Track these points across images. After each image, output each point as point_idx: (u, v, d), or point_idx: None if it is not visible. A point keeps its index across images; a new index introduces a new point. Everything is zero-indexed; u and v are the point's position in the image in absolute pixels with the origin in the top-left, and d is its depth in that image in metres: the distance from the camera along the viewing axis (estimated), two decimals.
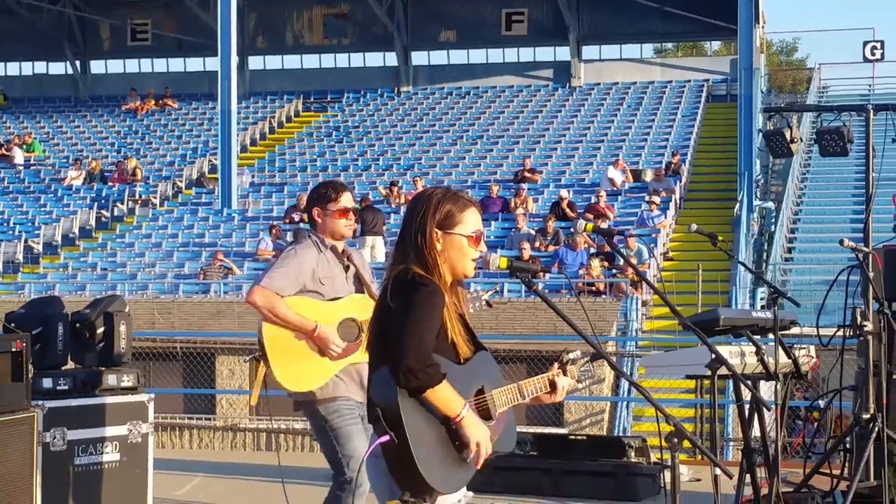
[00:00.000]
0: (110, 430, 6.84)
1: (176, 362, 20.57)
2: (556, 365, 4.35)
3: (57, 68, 41.34)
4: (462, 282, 4.21)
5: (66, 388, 6.73)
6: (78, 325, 7.08)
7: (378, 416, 3.89)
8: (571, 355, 4.27)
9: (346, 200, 6.21)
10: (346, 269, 6.16)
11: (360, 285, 6.18)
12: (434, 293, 3.93)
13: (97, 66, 41.29)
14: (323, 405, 5.94)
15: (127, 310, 7.30)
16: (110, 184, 31.44)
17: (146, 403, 7.05)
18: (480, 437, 3.94)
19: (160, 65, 40.84)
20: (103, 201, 30.25)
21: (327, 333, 5.92)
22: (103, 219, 29.69)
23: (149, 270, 25.81)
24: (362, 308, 5.97)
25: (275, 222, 26.81)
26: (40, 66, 41.51)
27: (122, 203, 30.23)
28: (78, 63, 40.47)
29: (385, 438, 3.85)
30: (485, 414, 4.07)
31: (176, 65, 40.65)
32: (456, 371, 3.98)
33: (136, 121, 37.47)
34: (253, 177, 31.61)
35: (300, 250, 6.08)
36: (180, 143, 35.43)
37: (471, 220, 4.10)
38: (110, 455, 6.82)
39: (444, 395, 3.87)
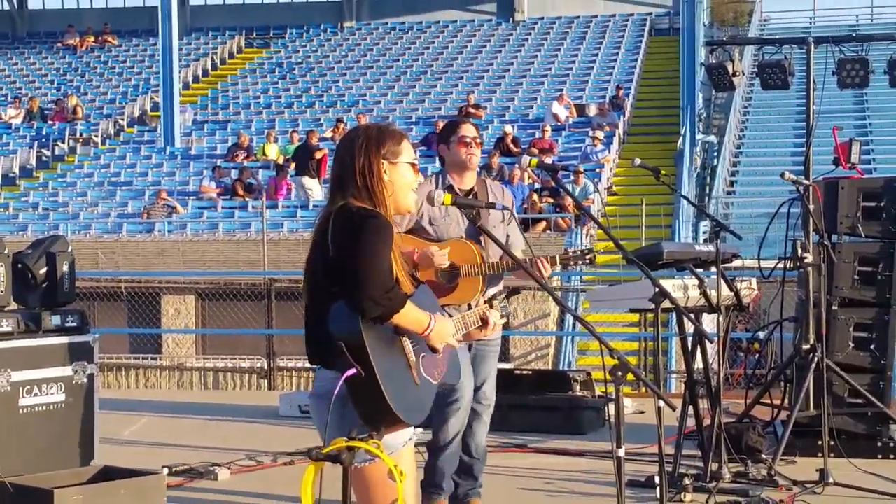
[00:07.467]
0: (55, 371, 6.79)
1: (121, 302, 20.47)
2: (482, 300, 4.42)
3: None
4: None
5: (10, 329, 6.67)
6: (20, 265, 7.01)
7: (341, 350, 3.85)
8: (492, 291, 4.33)
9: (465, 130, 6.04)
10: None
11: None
12: (386, 225, 3.93)
13: (34, 2, 40.56)
14: None
15: (70, 250, 7.23)
16: (50, 122, 31.01)
17: (91, 344, 7.01)
18: (451, 333, 4.07)
19: (99, 0, 40.23)
20: (44, 140, 29.83)
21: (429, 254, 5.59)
22: (44, 158, 29.31)
23: (91, 210, 25.58)
24: (460, 253, 5.74)
25: (218, 160, 26.61)
26: None
27: (63, 142, 29.83)
28: None
29: (352, 372, 3.81)
30: (431, 347, 4.09)
31: (115, 0, 40.04)
32: None
33: (76, 57, 36.91)
34: (196, 114, 31.31)
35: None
36: (121, 80, 34.96)
37: (408, 150, 4.15)
38: (56, 396, 6.78)
39: (412, 315, 3.91)
